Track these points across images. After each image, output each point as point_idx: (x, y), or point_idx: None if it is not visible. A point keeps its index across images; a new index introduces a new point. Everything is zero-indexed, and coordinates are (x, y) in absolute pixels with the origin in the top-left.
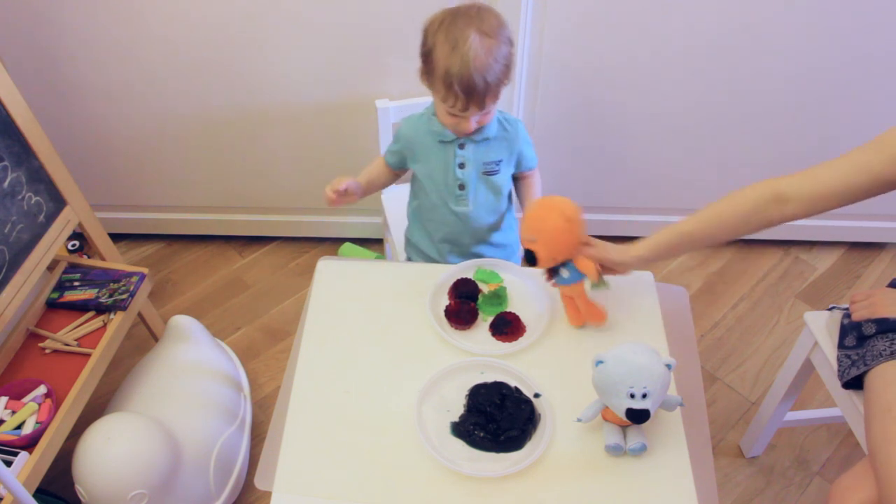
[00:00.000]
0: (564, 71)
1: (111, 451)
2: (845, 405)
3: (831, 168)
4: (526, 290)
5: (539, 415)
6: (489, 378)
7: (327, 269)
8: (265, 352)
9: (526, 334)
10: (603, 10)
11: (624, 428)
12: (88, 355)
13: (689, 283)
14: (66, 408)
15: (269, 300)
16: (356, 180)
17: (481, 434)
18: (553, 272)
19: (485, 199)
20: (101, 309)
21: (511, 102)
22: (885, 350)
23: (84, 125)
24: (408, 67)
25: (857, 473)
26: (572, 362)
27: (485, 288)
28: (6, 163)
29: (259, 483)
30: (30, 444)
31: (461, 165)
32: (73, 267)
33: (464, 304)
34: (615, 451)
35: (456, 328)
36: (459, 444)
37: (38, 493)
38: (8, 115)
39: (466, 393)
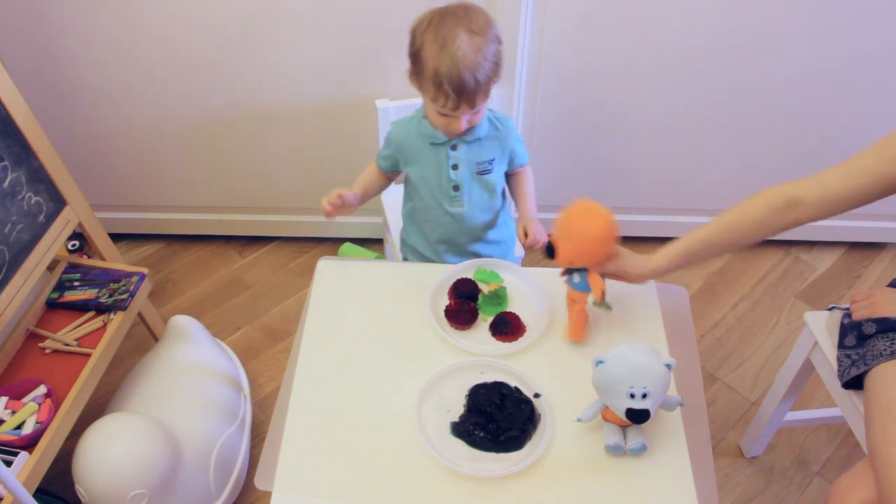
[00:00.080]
0: (564, 71)
1: (111, 451)
2: (845, 405)
3: (840, 172)
4: (526, 290)
5: (539, 415)
6: (489, 378)
7: (327, 269)
8: (265, 352)
9: (526, 334)
10: (603, 10)
11: (624, 428)
12: (88, 355)
13: (689, 283)
14: (66, 408)
15: (269, 300)
16: (352, 191)
17: (481, 434)
18: (567, 271)
19: (479, 198)
20: (101, 309)
21: (511, 102)
22: (885, 350)
23: (84, 125)
24: (408, 67)
25: (858, 473)
26: (572, 362)
27: (485, 288)
28: (6, 163)
29: (259, 483)
30: (30, 444)
31: (454, 167)
32: (73, 267)
33: (464, 304)
34: (615, 451)
35: (456, 328)
36: (459, 444)
37: (38, 493)
38: (8, 115)
39: (466, 393)
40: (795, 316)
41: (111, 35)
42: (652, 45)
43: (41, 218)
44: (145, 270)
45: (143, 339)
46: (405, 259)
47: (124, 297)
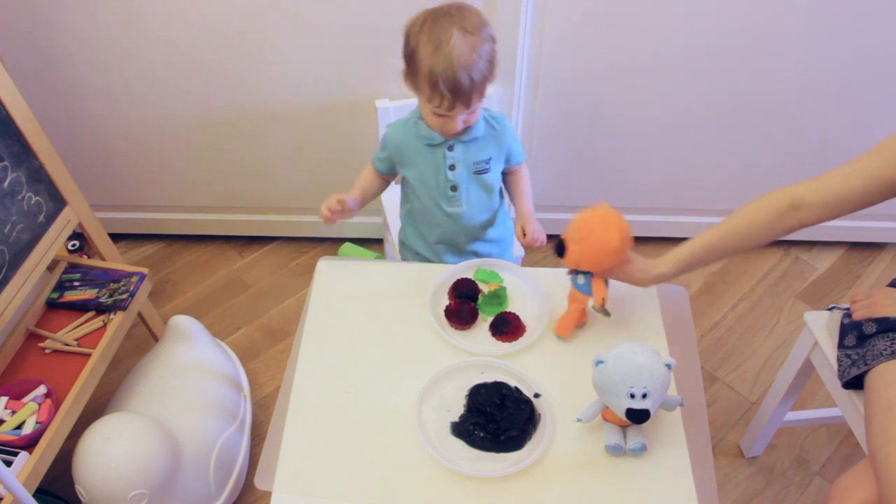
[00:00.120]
0: (564, 71)
1: (111, 451)
2: (845, 405)
3: (842, 173)
4: (526, 290)
5: (539, 415)
6: (489, 378)
7: (327, 269)
8: (265, 352)
9: (526, 334)
10: (603, 10)
11: (624, 428)
12: (88, 355)
13: (689, 283)
14: (66, 408)
15: (269, 300)
16: (352, 196)
17: (481, 434)
18: (573, 271)
19: (477, 198)
20: (101, 309)
21: (511, 102)
22: (885, 350)
23: (84, 125)
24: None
25: (858, 473)
26: (572, 362)
27: (485, 288)
28: (6, 163)
29: (259, 483)
30: (30, 444)
31: (451, 167)
32: (73, 267)
33: (464, 304)
34: (615, 451)
35: (456, 328)
36: (459, 444)
37: (38, 493)
38: (8, 115)
39: (466, 393)
40: (795, 316)
41: (111, 35)
42: (652, 45)
43: (41, 218)
44: (145, 270)
45: (143, 339)
46: (404, 260)
47: (124, 297)
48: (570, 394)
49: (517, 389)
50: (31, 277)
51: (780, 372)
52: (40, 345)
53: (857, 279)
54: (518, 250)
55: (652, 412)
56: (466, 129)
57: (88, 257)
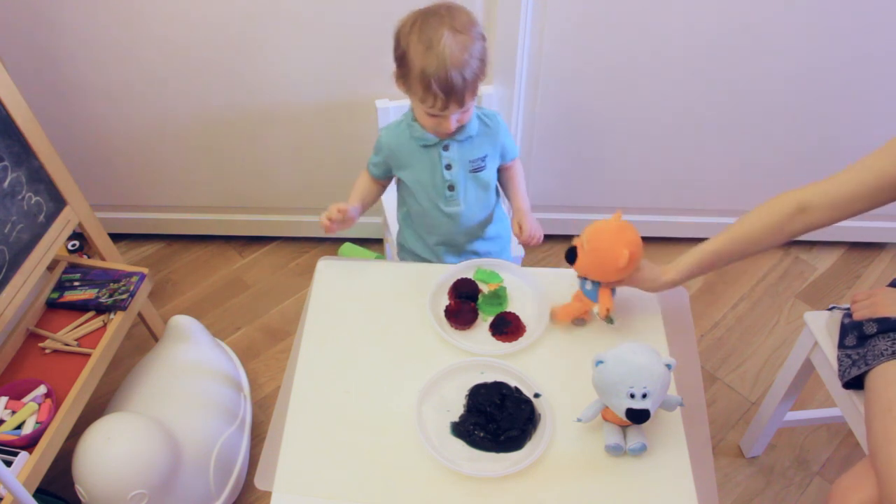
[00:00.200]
0: (564, 71)
1: (111, 451)
2: (845, 405)
3: (848, 174)
4: (526, 290)
5: (539, 415)
6: (489, 378)
7: (327, 269)
8: (265, 352)
9: (526, 334)
10: (603, 10)
11: (624, 428)
12: (88, 355)
13: (689, 283)
14: (66, 408)
15: (269, 300)
16: (352, 205)
17: (481, 434)
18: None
19: (475, 196)
20: (101, 309)
21: (511, 102)
22: (886, 350)
23: (84, 125)
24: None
25: (858, 473)
26: (572, 362)
27: (485, 288)
28: (6, 163)
29: (259, 483)
30: (30, 444)
31: (448, 167)
32: (73, 267)
33: (464, 304)
34: (615, 451)
35: (456, 328)
36: (459, 444)
37: (38, 493)
38: (8, 115)
39: (466, 393)
40: (795, 316)
41: (111, 35)
42: (652, 45)
43: (41, 218)
44: (145, 270)
45: (143, 339)
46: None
47: (124, 297)
48: (570, 394)
49: (517, 389)
50: (31, 277)
51: (780, 372)
52: (40, 345)
53: (857, 279)
54: (517, 249)
55: (652, 412)
56: (460, 128)
57: (88, 257)
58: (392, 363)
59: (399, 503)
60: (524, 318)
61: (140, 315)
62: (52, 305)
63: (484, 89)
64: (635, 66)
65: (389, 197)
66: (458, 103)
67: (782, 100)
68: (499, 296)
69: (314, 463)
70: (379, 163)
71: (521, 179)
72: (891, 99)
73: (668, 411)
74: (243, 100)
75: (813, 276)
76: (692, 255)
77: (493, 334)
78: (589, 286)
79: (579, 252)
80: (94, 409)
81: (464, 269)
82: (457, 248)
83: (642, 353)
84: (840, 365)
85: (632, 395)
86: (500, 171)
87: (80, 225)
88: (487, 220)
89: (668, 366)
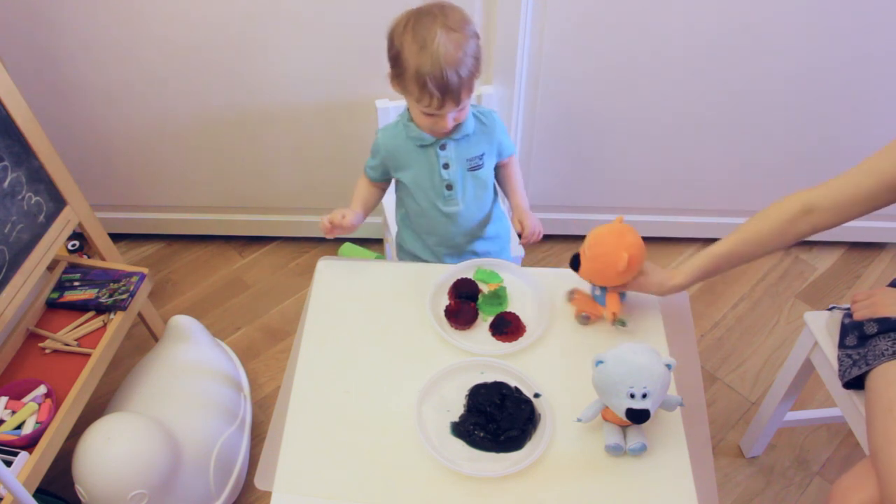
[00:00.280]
0: (564, 71)
1: (111, 451)
2: (845, 405)
3: (851, 175)
4: (526, 290)
5: (539, 415)
6: (489, 378)
7: (327, 269)
8: (265, 352)
9: (526, 334)
10: (603, 10)
11: (624, 428)
12: (88, 355)
13: None
14: (66, 408)
15: (269, 300)
16: (355, 211)
17: (481, 434)
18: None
19: (473, 195)
20: (101, 309)
21: (511, 102)
22: (887, 350)
23: (84, 125)
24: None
25: (858, 473)
26: (572, 362)
27: (485, 288)
28: (6, 163)
29: (259, 483)
30: (30, 444)
31: (445, 166)
32: (73, 267)
33: (464, 304)
34: (615, 451)
35: (456, 328)
36: (459, 444)
37: (38, 493)
38: (8, 115)
39: (466, 393)
40: (795, 316)
41: (111, 35)
42: (652, 45)
43: (41, 218)
44: (145, 270)
45: (143, 339)
46: None
47: (124, 297)
48: (570, 394)
49: (517, 389)
50: (31, 277)
51: (780, 372)
52: (40, 345)
53: (857, 279)
54: (517, 249)
55: (652, 412)
56: (457, 127)
57: (88, 257)
58: (392, 363)
59: (399, 503)
60: (524, 318)
61: (140, 315)
62: (52, 305)
63: (484, 89)
64: (635, 66)
65: (389, 197)
66: (455, 101)
67: (782, 100)
68: (499, 296)
69: (314, 463)
70: (376, 165)
71: (518, 177)
72: (891, 99)
73: (668, 411)
74: (243, 100)
75: (813, 276)
76: (700, 259)
77: (493, 334)
78: (598, 291)
79: (582, 258)
80: (94, 409)
81: (464, 269)
82: (456, 249)
83: (642, 353)
84: (840, 365)
85: (632, 395)
86: (497, 168)
87: (80, 225)
88: (486, 220)
89: (668, 366)
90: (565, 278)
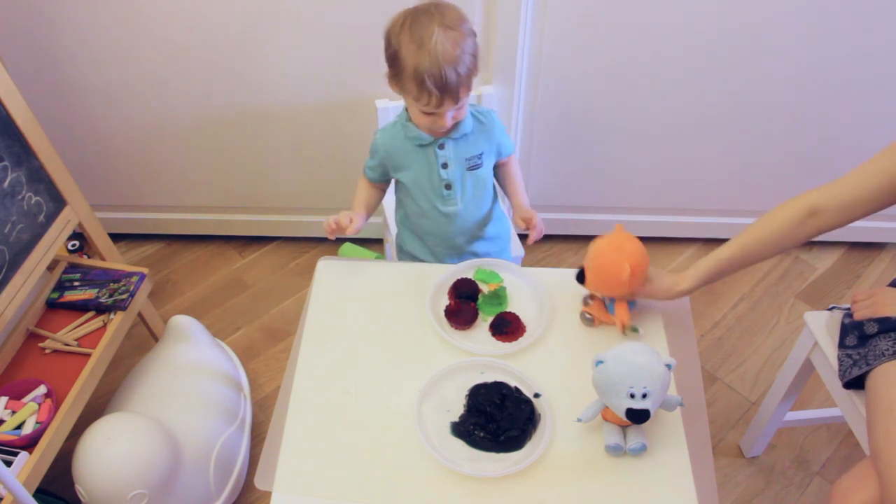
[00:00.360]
0: (564, 71)
1: (111, 451)
2: (845, 405)
3: (855, 175)
4: (526, 290)
5: (539, 415)
6: (489, 378)
7: (327, 269)
8: (265, 352)
9: (526, 334)
10: (603, 10)
11: (624, 428)
12: (88, 355)
13: None
14: (66, 408)
15: (269, 300)
16: (359, 214)
17: (481, 434)
18: None
19: (472, 194)
20: (101, 309)
21: (511, 102)
22: (887, 350)
23: (84, 125)
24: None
25: (859, 474)
26: (572, 362)
27: (485, 288)
28: (6, 163)
29: (259, 483)
30: (30, 444)
31: (444, 165)
32: (73, 267)
33: (464, 304)
34: (615, 451)
35: (456, 328)
36: (459, 444)
37: (38, 493)
38: (8, 115)
39: (466, 393)
40: (795, 316)
41: (111, 35)
42: (652, 45)
43: (41, 218)
44: (145, 270)
45: (143, 339)
46: None
47: (124, 297)
48: (570, 394)
49: (517, 389)
50: (31, 277)
51: (780, 372)
52: (40, 345)
53: (857, 279)
54: (517, 249)
55: (652, 412)
56: (456, 126)
57: (88, 257)
58: (392, 363)
59: (399, 503)
60: (524, 318)
61: (140, 315)
62: (52, 305)
63: (484, 89)
64: (635, 66)
65: (389, 198)
66: (453, 99)
67: (782, 100)
68: (499, 296)
69: (314, 463)
70: (375, 166)
71: (518, 176)
72: (891, 99)
73: (668, 411)
74: (243, 100)
75: (813, 276)
76: (706, 263)
77: (493, 334)
78: (608, 300)
79: (586, 271)
80: (94, 409)
81: (464, 269)
82: (456, 250)
83: (642, 353)
84: (841, 365)
85: (632, 395)
86: (496, 168)
87: (80, 225)
88: (486, 220)
89: (668, 366)
90: (565, 278)
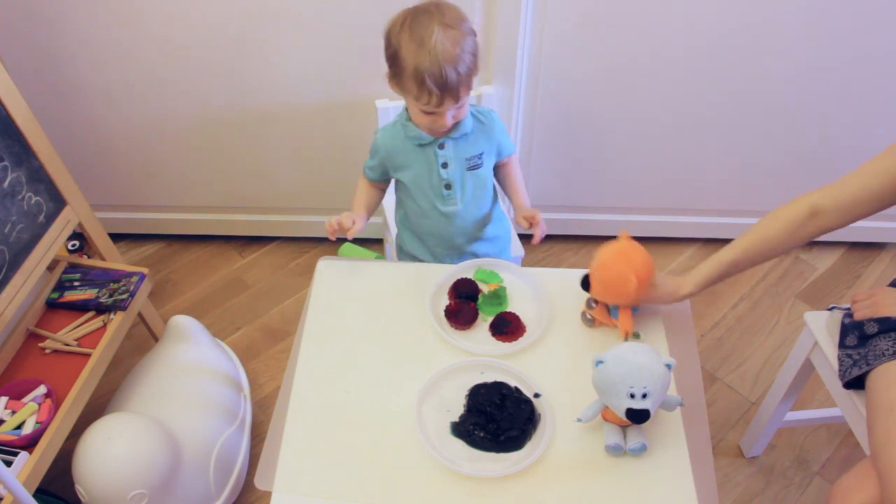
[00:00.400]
0: (564, 71)
1: (111, 451)
2: (845, 405)
3: (856, 175)
4: (526, 290)
5: (539, 415)
6: (489, 378)
7: (327, 269)
8: (265, 352)
9: (526, 334)
10: (603, 10)
11: (624, 428)
12: (88, 355)
13: None
14: (66, 408)
15: (269, 300)
16: (362, 216)
17: (481, 434)
18: None
19: (472, 194)
20: (101, 309)
21: (511, 102)
22: (887, 350)
23: (84, 125)
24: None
25: (859, 474)
26: (572, 362)
27: (485, 288)
28: (6, 163)
29: (259, 483)
30: (30, 444)
31: (444, 165)
32: (73, 267)
33: (464, 304)
34: (615, 451)
35: (456, 328)
36: (459, 444)
37: (38, 493)
38: (8, 115)
39: (466, 393)
40: (795, 316)
41: (111, 35)
42: (652, 45)
43: (41, 218)
44: (145, 270)
45: (143, 339)
46: None
47: (124, 297)
48: (570, 394)
49: (517, 389)
50: (31, 277)
51: (780, 372)
52: (40, 345)
53: (857, 279)
54: (517, 249)
55: (652, 412)
56: (456, 126)
57: (88, 257)
58: (392, 363)
59: (399, 503)
60: (524, 318)
61: (140, 315)
62: (52, 305)
63: (484, 89)
64: (635, 66)
65: (389, 198)
66: (454, 99)
67: (782, 100)
68: (499, 296)
69: (314, 463)
70: (375, 166)
71: (519, 176)
72: (891, 99)
73: (668, 411)
74: (243, 100)
75: (813, 276)
76: (709, 266)
77: (493, 334)
78: (611, 305)
79: (591, 280)
80: (94, 409)
81: (464, 269)
82: (456, 251)
83: (642, 353)
84: (841, 365)
85: (632, 395)
86: (497, 168)
87: (80, 225)
88: (486, 220)
89: (668, 366)
90: (565, 278)
